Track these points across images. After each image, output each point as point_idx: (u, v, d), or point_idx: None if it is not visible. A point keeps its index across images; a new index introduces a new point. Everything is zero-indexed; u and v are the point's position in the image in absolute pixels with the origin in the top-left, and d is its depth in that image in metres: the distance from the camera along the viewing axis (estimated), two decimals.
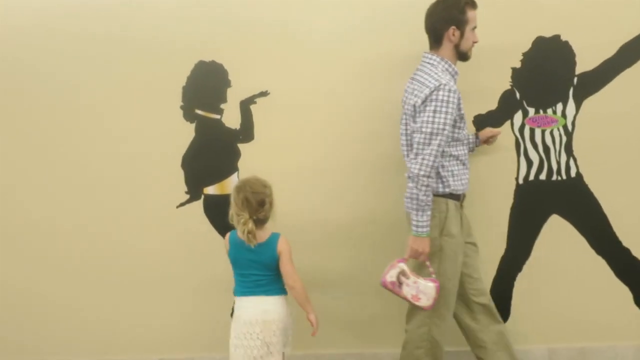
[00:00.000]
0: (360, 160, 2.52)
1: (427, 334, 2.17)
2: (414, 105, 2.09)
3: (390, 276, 2.11)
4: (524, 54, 2.44)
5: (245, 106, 2.51)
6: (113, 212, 2.55)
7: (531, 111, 2.47)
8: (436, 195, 2.10)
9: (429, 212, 2.05)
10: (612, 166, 2.49)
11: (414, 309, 2.16)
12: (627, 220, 2.50)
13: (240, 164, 2.53)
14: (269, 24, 2.45)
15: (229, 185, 2.54)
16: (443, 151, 2.07)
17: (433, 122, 2.02)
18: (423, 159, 2.02)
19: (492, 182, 2.50)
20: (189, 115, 2.52)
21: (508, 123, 2.50)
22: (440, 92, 2.01)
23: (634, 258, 2.53)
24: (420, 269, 2.13)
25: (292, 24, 2.46)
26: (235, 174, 2.54)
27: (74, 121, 2.52)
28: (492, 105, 2.48)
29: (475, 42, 2.16)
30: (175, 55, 2.47)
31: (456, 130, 2.12)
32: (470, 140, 2.37)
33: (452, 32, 2.10)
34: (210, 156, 2.51)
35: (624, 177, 2.50)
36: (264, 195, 2.05)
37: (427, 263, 2.11)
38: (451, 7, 2.10)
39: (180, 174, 2.52)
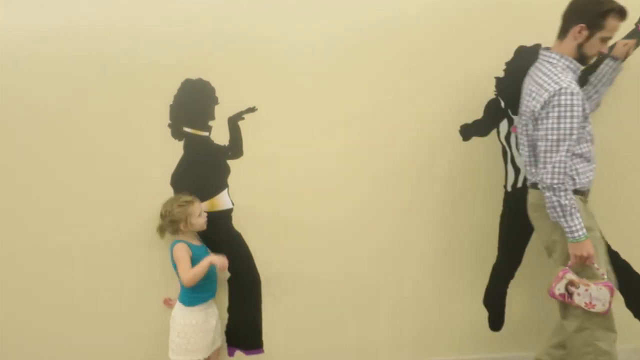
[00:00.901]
0: (351, 174, 2.54)
1: (589, 339, 2.08)
2: (533, 111, 2.04)
3: (558, 289, 2.05)
4: (507, 64, 2.47)
5: (234, 122, 2.51)
6: (103, 233, 2.52)
7: (516, 119, 2.50)
8: None
9: (578, 214, 1.98)
10: (598, 169, 2.52)
11: (567, 305, 2.10)
12: (615, 223, 2.52)
13: (230, 179, 2.53)
14: (254, 40, 2.47)
15: (219, 202, 2.53)
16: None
17: (559, 129, 1.96)
18: (553, 167, 1.97)
19: (481, 190, 2.52)
20: (177, 133, 2.52)
21: (494, 132, 2.53)
22: (562, 97, 1.94)
23: (623, 261, 2.55)
24: (583, 272, 2.04)
25: (278, 39, 2.47)
26: (226, 190, 2.53)
27: (64, 143, 2.48)
28: (478, 114, 2.52)
29: (602, 52, 2.09)
30: (162, 74, 2.46)
31: (580, 130, 2.04)
32: (610, 66, 2.28)
33: (578, 30, 2.01)
34: (200, 173, 2.49)
35: (610, 179, 2.53)
36: (162, 209, 2.42)
37: (595, 265, 2.03)
38: (592, 5, 2.00)
39: (169, 192, 2.51)
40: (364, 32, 2.48)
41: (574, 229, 1.98)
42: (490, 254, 2.56)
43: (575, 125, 1.95)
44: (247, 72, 2.48)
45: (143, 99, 2.47)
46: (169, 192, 2.50)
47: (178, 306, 2.42)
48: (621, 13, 1.99)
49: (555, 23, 2.42)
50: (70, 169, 2.49)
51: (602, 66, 2.33)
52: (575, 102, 1.94)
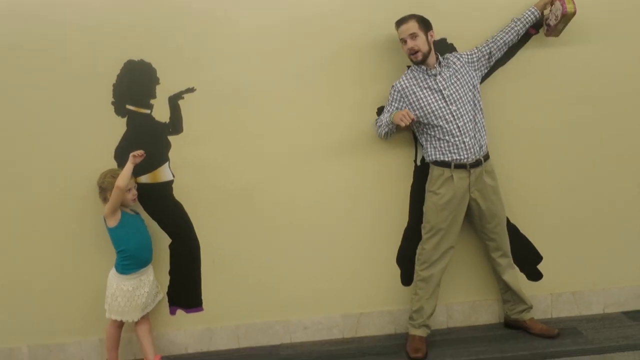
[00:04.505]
0: (277, 151, 2.78)
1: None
2: None
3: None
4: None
5: (174, 101, 2.72)
6: (46, 205, 2.70)
7: None
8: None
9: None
10: (503, 146, 2.79)
11: None
12: (514, 196, 2.82)
13: (171, 154, 2.74)
14: (194, 23, 2.66)
15: (160, 174, 2.75)
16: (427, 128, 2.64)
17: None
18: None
19: (394, 164, 2.83)
20: (120, 110, 2.70)
21: None
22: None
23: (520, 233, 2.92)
24: None
25: (217, 22, 2.67)
26: (167, 163, 2.75)
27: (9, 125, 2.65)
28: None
29: (410, 49, 2.56)
30: (105, 55, 2.64)
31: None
32: (529, 16, 2.64)
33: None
34: (142, 147, 2.63)
35: (514, 156, 2.82)
36: (98, 178, 2.58)
37: None
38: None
39: (113, 165, 2.70)
40: (299, 18, 2.70)
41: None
42: (402, 219, 2.89)
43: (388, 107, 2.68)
44: (187, 53, 2.68)
45: (88, 78, 2.64)
46: (113, 165, 2.69)
47: (113, 272, 2.61)
48: (396, 24, 2.58)
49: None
50: (15, 145, 2.66)
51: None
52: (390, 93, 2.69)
